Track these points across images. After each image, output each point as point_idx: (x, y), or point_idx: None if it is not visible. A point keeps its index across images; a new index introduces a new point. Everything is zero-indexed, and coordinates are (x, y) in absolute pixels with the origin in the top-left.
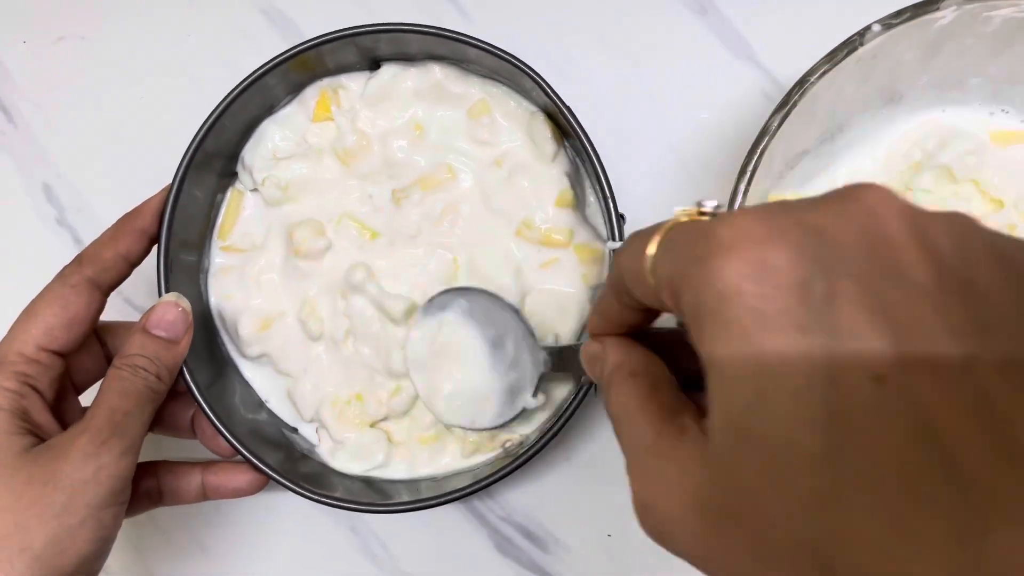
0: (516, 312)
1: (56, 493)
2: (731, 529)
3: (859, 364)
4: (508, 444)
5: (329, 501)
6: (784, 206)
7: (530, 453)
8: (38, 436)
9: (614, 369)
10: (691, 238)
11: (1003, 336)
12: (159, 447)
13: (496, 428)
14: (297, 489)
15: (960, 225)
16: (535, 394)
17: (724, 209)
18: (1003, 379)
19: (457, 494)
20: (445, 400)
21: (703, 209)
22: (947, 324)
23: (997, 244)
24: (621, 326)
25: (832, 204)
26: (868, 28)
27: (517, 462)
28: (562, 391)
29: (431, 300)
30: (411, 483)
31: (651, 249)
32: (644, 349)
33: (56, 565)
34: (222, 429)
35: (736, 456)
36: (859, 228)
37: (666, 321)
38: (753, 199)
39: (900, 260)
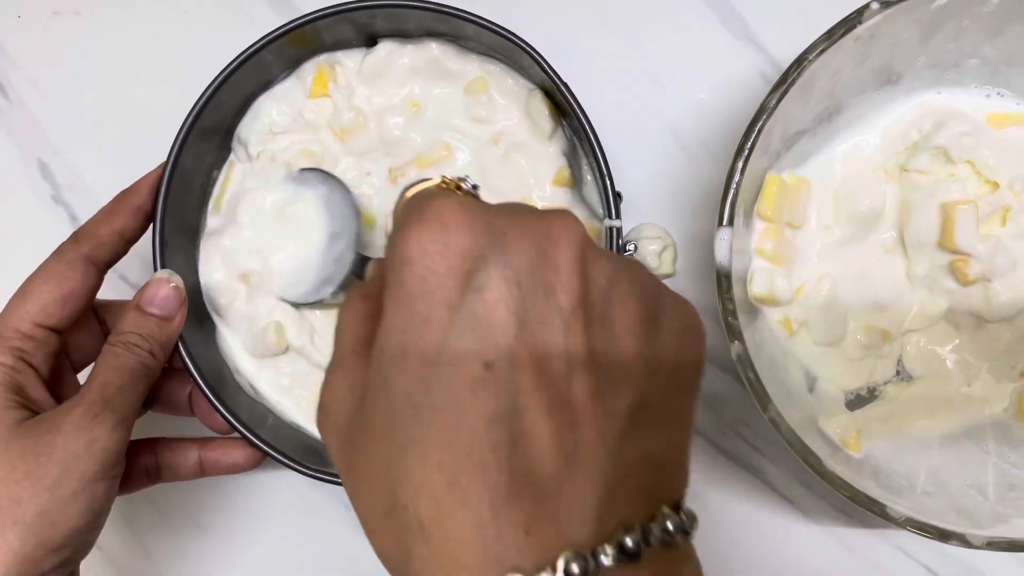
0: (358, 216)
1: (49, 466)
2: (357, 458)
3: (475, 350)
4: None
5: (325, 477)
6: (490, 209)
7: None
8: (32, 411)
9: (360, 287)
10: (417, 203)
11: (606, 369)
12: (157, 426)
13: (295, 305)
14: (293, 465)
15: (617, 271)
16: (336, 293)
17: (478, 191)
18: (590, 399)
19: None
20: (273, 264)
21: (461, 184)
22: (565, 343)
23: (644, 297)
24: None
25: (524, 218)
26: (867, 6)
27: None
28: None
29: (301, 171)
30: None
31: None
32: None
33: (47, 537)
34: (218, 406)
35: (369, 393)
36: (535, 246)
37: None
38: (750, 176)
39: (554, 282)
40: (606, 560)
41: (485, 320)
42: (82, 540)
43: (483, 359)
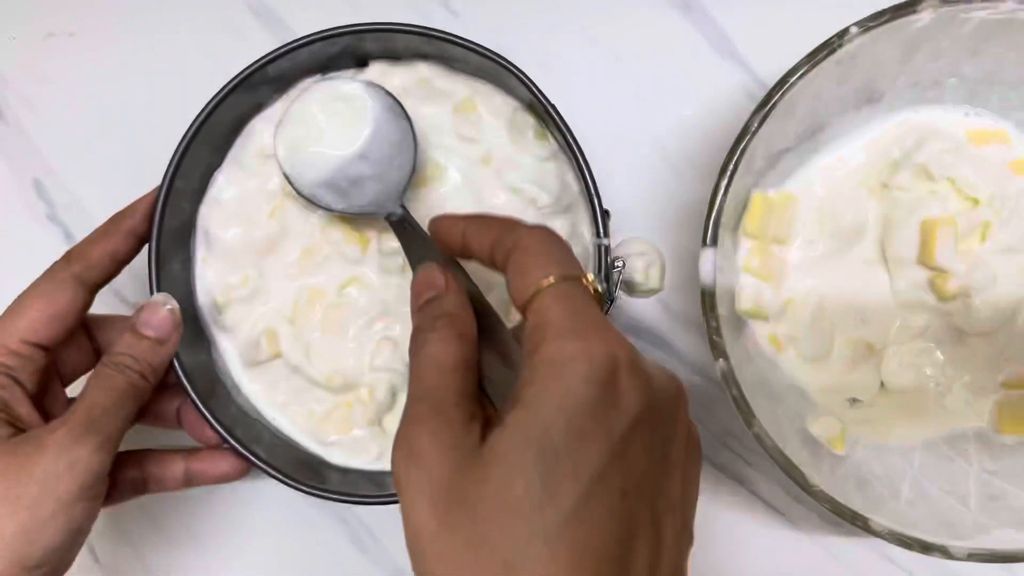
0: (414, 148)
1: (29, 485)
2: (461, 519)
3: (619, 483)
4: None
5: (319, 493)
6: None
7: None
8: (17, 428)
9: (448, 317)
10: (567, 313)
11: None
12: (144, 437)
13: (300, 195)
14: (289, 481)
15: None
16: (352, 212)
17: (601, 288)
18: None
19: None
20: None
21: (591, 283)
22: (671, 489)
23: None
24: (474, 250)
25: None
26: (847, 30)
27: None
28: None
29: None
30: None
31: (546, 281)
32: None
33: (24, 554)
34: (208, 416)
35: (497, 466)
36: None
37: None
38: (734, 195)
39: (671, 439)
40: None
41: (630, 460)
42: (60, 559)
43: (622, 488)
